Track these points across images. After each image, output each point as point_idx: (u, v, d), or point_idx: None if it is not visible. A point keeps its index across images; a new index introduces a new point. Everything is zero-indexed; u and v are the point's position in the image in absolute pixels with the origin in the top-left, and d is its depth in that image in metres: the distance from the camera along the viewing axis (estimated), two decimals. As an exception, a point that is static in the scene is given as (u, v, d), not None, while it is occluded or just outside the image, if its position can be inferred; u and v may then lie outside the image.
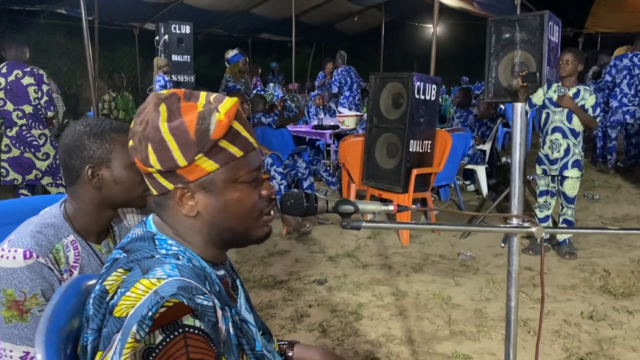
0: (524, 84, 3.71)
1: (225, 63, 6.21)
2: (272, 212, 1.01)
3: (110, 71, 9.61)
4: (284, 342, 1.26)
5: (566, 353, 2.56)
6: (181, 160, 0.89)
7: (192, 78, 8.89)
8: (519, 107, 1.12)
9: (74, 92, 10.57)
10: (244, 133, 0.93)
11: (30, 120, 4.29)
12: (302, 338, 2.57)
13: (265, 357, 1.00)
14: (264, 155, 4.55)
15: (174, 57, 8.53)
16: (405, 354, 2.56)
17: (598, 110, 3.69)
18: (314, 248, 4.13)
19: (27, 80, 4.24)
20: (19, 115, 4.26)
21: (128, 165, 1.28)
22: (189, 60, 8.78)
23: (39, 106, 4.31)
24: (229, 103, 0.90)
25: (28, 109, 4.27)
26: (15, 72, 4.23)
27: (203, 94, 0.94)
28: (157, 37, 8.65)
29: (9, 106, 4.23)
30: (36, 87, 4.27)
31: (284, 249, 4.10)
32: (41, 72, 4.32)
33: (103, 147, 1.28)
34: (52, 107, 4.35)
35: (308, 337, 2.71)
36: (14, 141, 4.28)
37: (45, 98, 4.31)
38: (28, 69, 4.26)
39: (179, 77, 8.58)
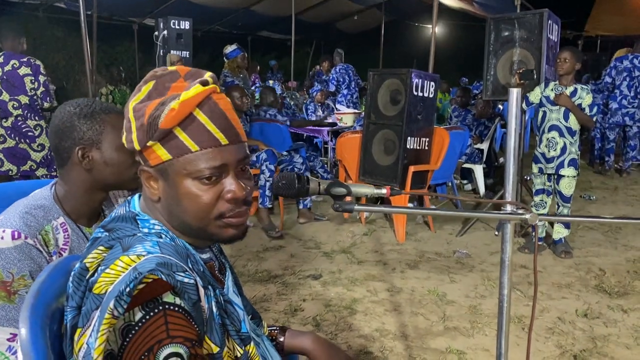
0: (521, 81, 3.71)
1: (224, 58, 6.19)
2: (241, 216, 0.92)
3: (108, 65, 9.58)
4: (275, 328, 1.25)
5: (560, 350, 2.55)
6: (136, 144, 0.88)
7: (191, 74, 8.88)
8: (514, 92, 1.11)
9: (71, 86, 10.53)
10: (210, 127, 0.86)
11: (26, 111, 4.26)
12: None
13: (252, 340, 0.98)
14: (260, 150, 4.52)
15: (173, 53, 8.49)
16: (399, 348, 2.55)
17: (595, 109, 3.69)
18: (309, 244, 4.12)
19: (23, 70, 4.22)
20: (15, 106, 4.23)
21: (119, 147, 1.26)
22: (187, 56, 8.75)
23: (35, 97, 4.28)
24: (192, 91, 0.84)
25: (24, 99, 4.24)
26: (12, 62, 4.20)
27: (208, 74, 0.90)
28: (156, 33, 8.62)
29: (5, 96, 4.20)
30: (32, 78, 4.24)
31: (279, 244, 4.08)
32: (38, 62, 4.29)
33: (93, 128, 1.27)
34: (48, 98, 4.32)
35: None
36: (9, 132, 4.25)
37: (41, 89, 4.28)
38: (25, 59, 4.23)
39: (177, 73, 8.56)
